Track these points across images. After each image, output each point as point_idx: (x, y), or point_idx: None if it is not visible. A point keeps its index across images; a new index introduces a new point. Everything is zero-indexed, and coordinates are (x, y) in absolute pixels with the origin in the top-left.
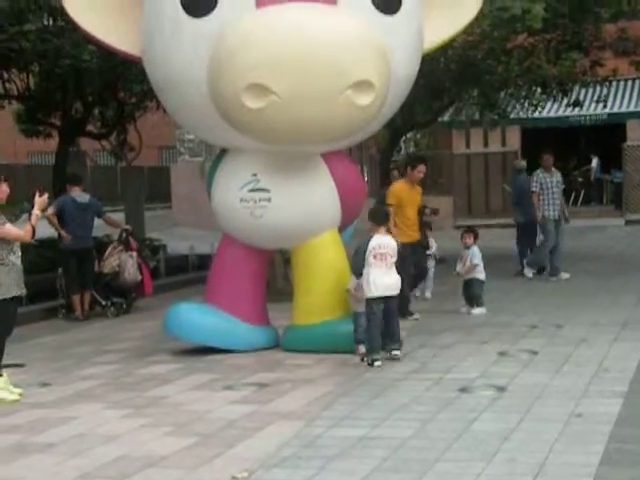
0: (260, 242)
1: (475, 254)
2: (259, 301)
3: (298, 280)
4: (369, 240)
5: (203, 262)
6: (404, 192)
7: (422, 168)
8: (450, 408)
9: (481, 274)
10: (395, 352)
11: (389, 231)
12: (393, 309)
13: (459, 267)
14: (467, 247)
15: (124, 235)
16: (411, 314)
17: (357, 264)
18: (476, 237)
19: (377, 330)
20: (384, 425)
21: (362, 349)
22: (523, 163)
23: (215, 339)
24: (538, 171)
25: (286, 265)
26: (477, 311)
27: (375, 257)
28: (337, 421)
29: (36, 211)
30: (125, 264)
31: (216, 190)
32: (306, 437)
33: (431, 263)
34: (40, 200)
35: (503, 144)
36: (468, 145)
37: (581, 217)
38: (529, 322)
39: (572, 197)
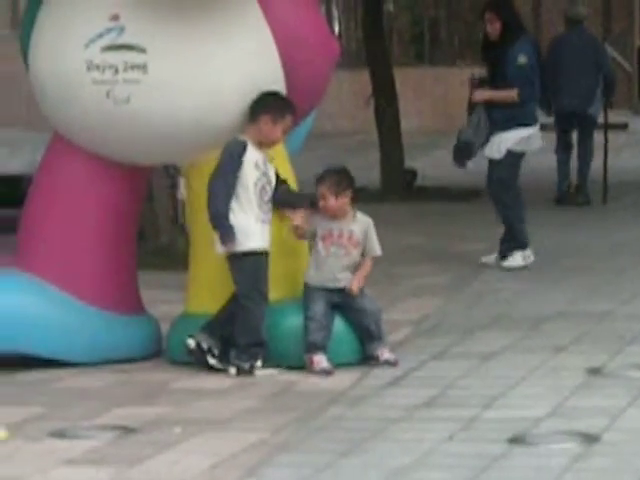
0: (125, 151)
1: None
2: (123, 266)
3: (197, 231)
4: None
5: (13, 189)
6: None
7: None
8: (494, 475)
9: None
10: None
11: None
12: None
13: None
14: None
15: None
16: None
17: None
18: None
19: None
20: None
21: (323, 362)
22: (581, 9)
23: (30, 341)
24: None
25: (176, 201)
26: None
27: None
28: None
29: None
30: None
31: (39, 49)
32: None
33: None
34: None
35: None
36: None
37: None
38: None
39: None
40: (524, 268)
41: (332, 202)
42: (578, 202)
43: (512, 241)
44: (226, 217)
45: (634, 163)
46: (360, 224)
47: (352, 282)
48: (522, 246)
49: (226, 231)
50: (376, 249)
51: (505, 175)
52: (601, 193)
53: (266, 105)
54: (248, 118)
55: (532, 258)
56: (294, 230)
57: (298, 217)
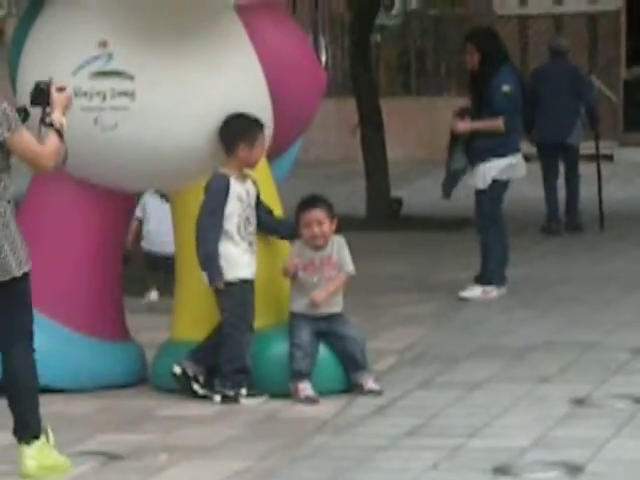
0: (111, 177)
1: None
2: (108, 292)
3: (183, 259)
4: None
5: None
6: None
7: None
8: None
9: None
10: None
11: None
12: None
13: None
14: None
15: None
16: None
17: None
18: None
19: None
20: None
21: (307, 390)
22: (563, 41)
23: None
24: None
25: None
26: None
27: None
28: None
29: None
30: None
31: (27, 73)
32: None
33: None
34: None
35: None
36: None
37: None
38: (630, 342)
39: None
40: (509, 298)
41: (327, 227)
42: (568, 230)
43: (484, 271)
44: (216, 258)
45: (621, 195)
46: (335, 245)
47: (317, 293)
48: (487, 282)
49: (215, 272)
50: (348, 267)
51: (490, 210)
52: (591, 223)
53: (238, 133)
54: (225, 150)
55: (494, 294)
56: (290, 268)
57: (294, 258)
